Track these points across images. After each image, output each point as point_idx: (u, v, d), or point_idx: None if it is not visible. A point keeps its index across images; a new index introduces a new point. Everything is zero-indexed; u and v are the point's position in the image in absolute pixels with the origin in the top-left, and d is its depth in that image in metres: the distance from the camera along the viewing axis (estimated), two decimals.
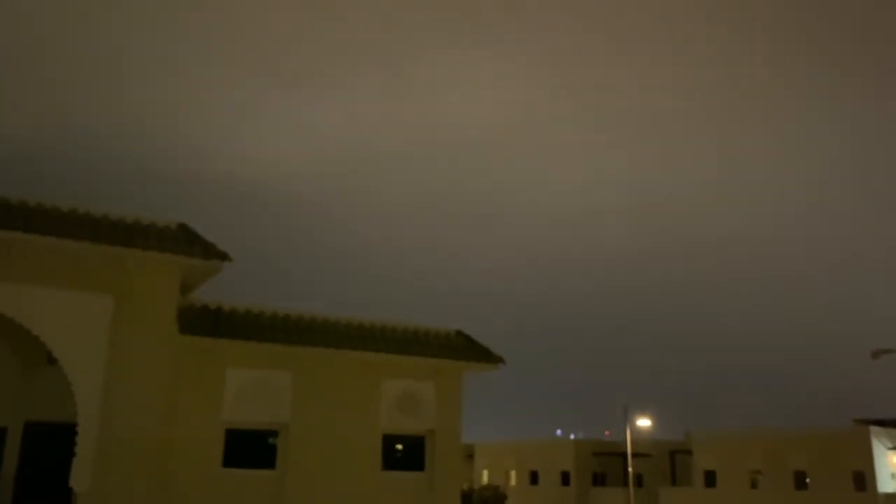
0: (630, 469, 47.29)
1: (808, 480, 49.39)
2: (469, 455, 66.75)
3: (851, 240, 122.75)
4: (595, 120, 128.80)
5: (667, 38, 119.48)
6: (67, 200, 15.16)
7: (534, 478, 64.79)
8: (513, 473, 66.35)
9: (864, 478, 46.36)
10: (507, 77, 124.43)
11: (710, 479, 54.37)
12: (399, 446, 18.84)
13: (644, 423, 47.80)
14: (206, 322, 16.38)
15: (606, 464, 62.30)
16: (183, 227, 15.92)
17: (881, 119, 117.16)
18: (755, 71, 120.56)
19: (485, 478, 67.18)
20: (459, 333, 20.06)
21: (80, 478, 14.06)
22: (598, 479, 62.67)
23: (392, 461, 18.49)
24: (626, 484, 49.80)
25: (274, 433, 17.17)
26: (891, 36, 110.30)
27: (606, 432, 66.87)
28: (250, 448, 16.93)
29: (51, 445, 15.59)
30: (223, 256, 15.66)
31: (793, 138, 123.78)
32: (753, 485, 52.09)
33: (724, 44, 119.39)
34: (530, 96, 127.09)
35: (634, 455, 48.15)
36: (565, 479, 62.26)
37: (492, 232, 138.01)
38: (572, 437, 67.06)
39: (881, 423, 48.01)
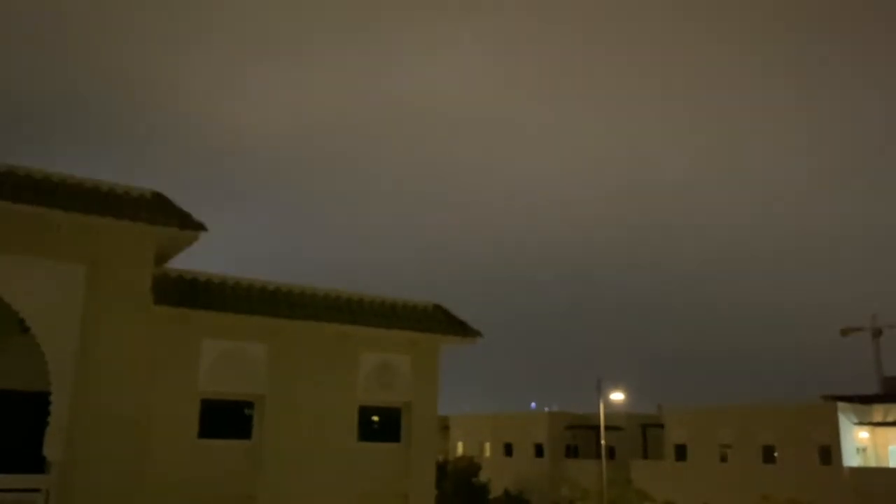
0: (603, 442, 47.90)
1: (776, 454, 50.39)
2: (444, 427, 67.24)
3: (823, 221, 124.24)
4: (577, 96, 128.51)
5: (650, 18, 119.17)
6: (42, 168, 14.87)
7: (508, 450, 65.47)
8: (487, 445, 67.00)
9: (830, 452, 47.40)
10: (490, 53, 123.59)
11: (681, 452, 55.30)
12: (375, 418, 18.92)
13: (617, 396, 48.35)
14: (182, 292, 16.23)
15: (579, 436, 63.07)
16: (158, 196, 15.71)
17: (860, 105, 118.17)
18: (750, 48, 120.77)
19: (460, 449, 67.80)
20: (437, 307, 20.10)
21: (52, 446, 13.98)
22: (571, 452, 63.49)
23: (368, 432, 18.58)
24: (598, 456, 50.49)
25: (250, 404, 17.16)
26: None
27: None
28: (226, 419, 16.91)
29: (23, 414, 15.44)
30: (198, 226, 15.48)
31: (784, 122, 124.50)
32: (723, 458, 53.06)
33: (715, 22, 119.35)
34: (507, 78, 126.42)
35: (607, 428, 48.76)
36: (539, 451, 62.98)
37: (469, 206, 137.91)
38: (548, 408, 67.73)
39: (848, 398, 49.03)
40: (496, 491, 54.54)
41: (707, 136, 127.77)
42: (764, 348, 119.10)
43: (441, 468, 40.58)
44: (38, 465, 14.53)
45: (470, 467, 55.14)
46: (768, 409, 51.63)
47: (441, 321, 19.69)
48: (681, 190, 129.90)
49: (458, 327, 19.74)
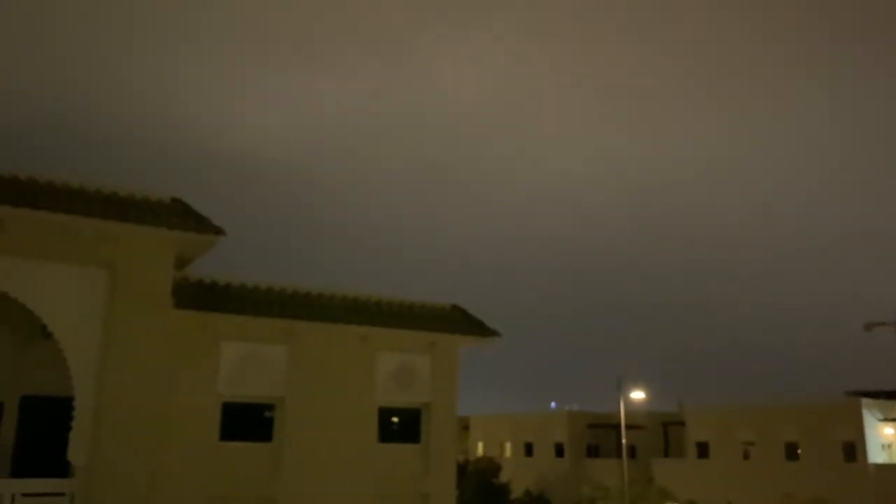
0: (623, 441, 47.67)
1: (799, 452, 49.93)
2: (464, 427, 67.24)
3: (846, 217, 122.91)
4: (594, 93, 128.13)
5: (666, 13, 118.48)
6: (62, 175, 15.03)
7: (528, 449, 65.35)
8: (508, 445, 66.91)
9: (854, 449, 46.89)
10: (504, 52, 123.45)
11: (703, 450, 54.94)
12: (395, 419, 18.96)
13: (638, 395, 48.08)
14: (202, 296, 16.35)
15: (600, 435, 62.82)
16: (177, 201, 15.83)
17: (883, 103, 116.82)
18: (760, 46, 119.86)
19: (480, 450, 67.75)
20: (455, 307, 20.10)
21: (77, 451, 14.12)
22: (592, 451, 63.26)
23: (388, 433, 18.61)
24: (619, 455, 50.27)
25: (270, 406, 17.24)
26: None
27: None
28: (247, 421, 17.01)
29: (48, 419, 15.62)
30: (217, 230, 15.58)
31: (795, 119, 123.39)
32: (745, 456, 52.64)
33: (726, 19, 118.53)
34: (527, 71, 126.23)
35: (628, 427, 48.52)
36: (559, 450, 62.81)
37: (487, 206, 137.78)
38: (568, 408, 67.49)
39: (872, 394, 48.47)
40: (517, 491, 54.45)
41: (728, 132, 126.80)
42: (786, 344, 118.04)
43: (461, 469, 40.56)
44: (62, 469, 14.69)
45: (490, 467, 55.09)
46: (791, 406, 51.15)
47: (459, 321, 19.70)
48: (700, 187, 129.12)
49: (476, 327, 19.73)
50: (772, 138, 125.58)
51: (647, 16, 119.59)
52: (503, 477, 54.58)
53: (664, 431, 61.39)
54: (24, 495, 14.05)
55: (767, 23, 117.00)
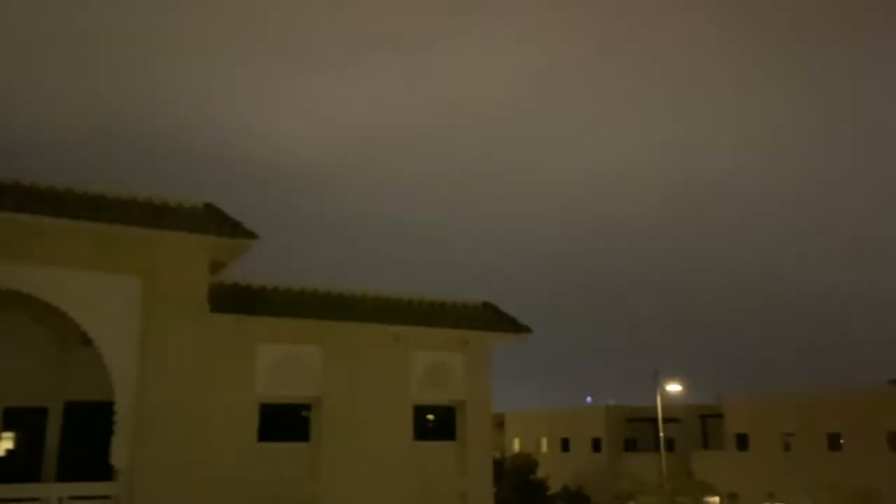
0: (661, 434, 47.27)
1: (841, 442, 49.08)
2: (499, 424, 67.18)
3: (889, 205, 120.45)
4: (618, 89, 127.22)
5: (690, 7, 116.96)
6: (98, 185, 15.33)
7: (565, 445, 65.11)
8: (544, 441, 66.72)
9: None
10: (526, 50, 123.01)
11: (742, 442, 54.22)
12: (430, 417, 19.03)
13: (674, 387, 47.63)
14: (237, 299, 16.58)
15: (637, 429, 62.34)
16: (209, 207, 16.06)
17: None
18: (785, 36, 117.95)
19: (516, 446, 67.67)
20: (486, 305, 20.11)
21: (119, 454, 14.42)
22: (630, 445, 62.84)
23: (424, 431, 18.69)
24: (657, 449, 49.86)
25: (307, 407, 17.42)
26: None
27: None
28: (284, 422, 17.21)
29: (90, 424, 15.94)
30: (250, 235, 15.79)
31: (829, 104, 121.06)
32: (786, 447, 51.89)
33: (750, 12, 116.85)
34: (549, 69, 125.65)
35: (665, 420, 48.10)
36: (596, 445, 62.48)
37: (514, 204, 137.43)
38: (604, 402, 67.15)
39: None
40: (554, 487, 54.28)
41: (762, 128, 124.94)
42: (826, 332, 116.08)
43: (498, 466, 40.57)
44: (106, 472, 15.00)
45: (527, 464, 54.97)
46: (833, 395, 50.20)
47: (491, 318, 19.71)
48: (732, 182, 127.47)
49: (508, 324, 19.73)
50: (822, 130, 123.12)
51: (669, 14, 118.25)
52: (540, 473, 54.44)
53: (702, 423, 60.71)
54: (71, 498, 14.38)
55: (811, 20, 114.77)
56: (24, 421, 17.11)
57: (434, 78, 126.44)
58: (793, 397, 52.31)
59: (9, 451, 17.36)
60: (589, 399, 72.57)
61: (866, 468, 45.06)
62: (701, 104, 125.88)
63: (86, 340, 15.15)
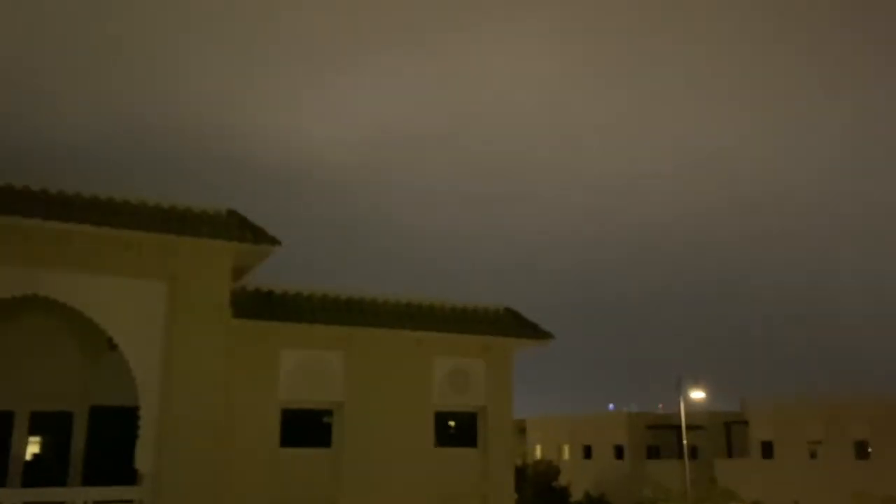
0: (684, 441, 46.82)
1: (869, 450, 48.32)
2: (521, 430, 66.94)
3: None
4: (636, 92, 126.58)
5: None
6: (123, 191, 15.50)
7: (587, 452, 64.72)
8: (566, 448, 66.38)
9: None
10: (545, 52, 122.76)
11: (767, 449, 53.55)
12: (451, 423, 19.00)
13: (698, 394, 47.16)
14: (260, 305, 16.66)
15: (660, 437, 61.86)
16: (232, 213, 16.16)
17: None
18: (804, 24, 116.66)
19: (538, 452, 67.36)
20: (508, 310, 20.05)
21: (143, 459, 14.52)
22: (653, 453, 62.31)
23: (445, 438, 18.66)
24: (680, 456, 49.41)
25: (329, 412, 17.46)
26: None
27: (660, 405, 66.33)
28: (306, 427, 17.26)
29: (115, 428, 16.09)
30: (273, 241, 15.87)
31: (850, 92, 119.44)
32: (812, 455, 51.18)
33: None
34: (568, 71, 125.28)
35: (689, 427, 47.65)
36: (619, 452, 62.05)
37: (535, 206, 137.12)
38: (627, 409, 66.67)
39: None
40: (576, 494, 53.95)
41: (789, 104, 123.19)
42: (851, 338, 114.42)
43: (520, 472, 40.39)
44: (130, 476, 15.12)
45: (549, 471, 54.71)
46: (860, 401, 49.43)
47: (512, 324, 19.64)
48: (753, 164, 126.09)
49: (529, 330, 19.65)
50: (829, 113, 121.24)
51: (685, 6, 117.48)
52: (562, 480, 54.13)
53: (726, 431, 60.12)
54: (96, 502, 14.51)
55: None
56: (50, 425, 17.33)
57: (454, 82, 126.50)
58: (819, 404, 51.58)
59: (35, 456, 17.57)
60: (611, 406, 72.11)
61: (894, 477, 44.28)
62: (736, 110, 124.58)
63: (111, 346, 15.30)
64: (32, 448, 17.52)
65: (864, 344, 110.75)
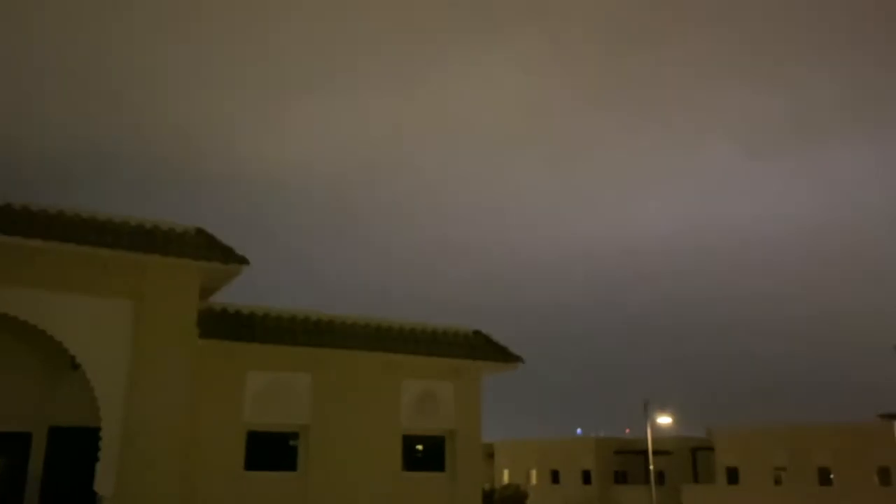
0: (651, 467, 47.00)
1: (832, 476, 48.88)
2: (489, 454, 66.66)
3: (872, 235, 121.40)
4: (612, 110, 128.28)
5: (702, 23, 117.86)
6: (88, 207, 15.30)
7: (555, 477, 64.61)
8: (533, 472, 66.21)
9: (889, 473, 45.84)
10: (522, 75, 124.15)
11: (733, 475, 53.96)
12: (419, 447, 18.85)
13: (665, 420, 47.47)
14: (227, 325, 16.47)
15: (627, 462, 62.03)
16: (201, 232, 16.02)
17: None
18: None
19: (505, 477, 67.08)
20: (477, 333, 20.05)
21: (104, 482, 14.19)
22: (620, 478, 62.40)
23: (413, 461, 18.51)
24: (647, 482, 49.53)
25: (295, 435, 17.24)
26: None
27: (627, 430, 66.61)
28: (272, 450, 17.01)
29: (75, 450, 15.74)
30: (241, 260, 15.74)
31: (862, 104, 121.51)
32: (777, 481, 51.64)
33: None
34: (543, 93, 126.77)
35: (656, 453, 47.87)
36: (586, 477, 62.04)
37: (505, 230, 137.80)
38: (594, 434, 66.80)
39: None
40: None
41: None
42: (814, 366, 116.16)
43: (488, 497, 40.16)
44: (89, 500, 14.77)
45: (517, 495, 54.52)
46: (823, 429, 50.15)
47: (482, 347, 19.63)
48: (721, 192, 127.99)
49: (499, 353, 19.65)
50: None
51: (663, 35, 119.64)
52: None
53: (693, 457, 60.47)
54: None
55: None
56: (6, 447, 16.86)
57: (429, 102, 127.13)
58: (783, 431, 52.21)
59: None
60: (579, 431, 72.23)
61: (857, 503, 44.83)
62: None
63: (74, 365, 15.00)
64: None
65: (827, 373, 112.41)
